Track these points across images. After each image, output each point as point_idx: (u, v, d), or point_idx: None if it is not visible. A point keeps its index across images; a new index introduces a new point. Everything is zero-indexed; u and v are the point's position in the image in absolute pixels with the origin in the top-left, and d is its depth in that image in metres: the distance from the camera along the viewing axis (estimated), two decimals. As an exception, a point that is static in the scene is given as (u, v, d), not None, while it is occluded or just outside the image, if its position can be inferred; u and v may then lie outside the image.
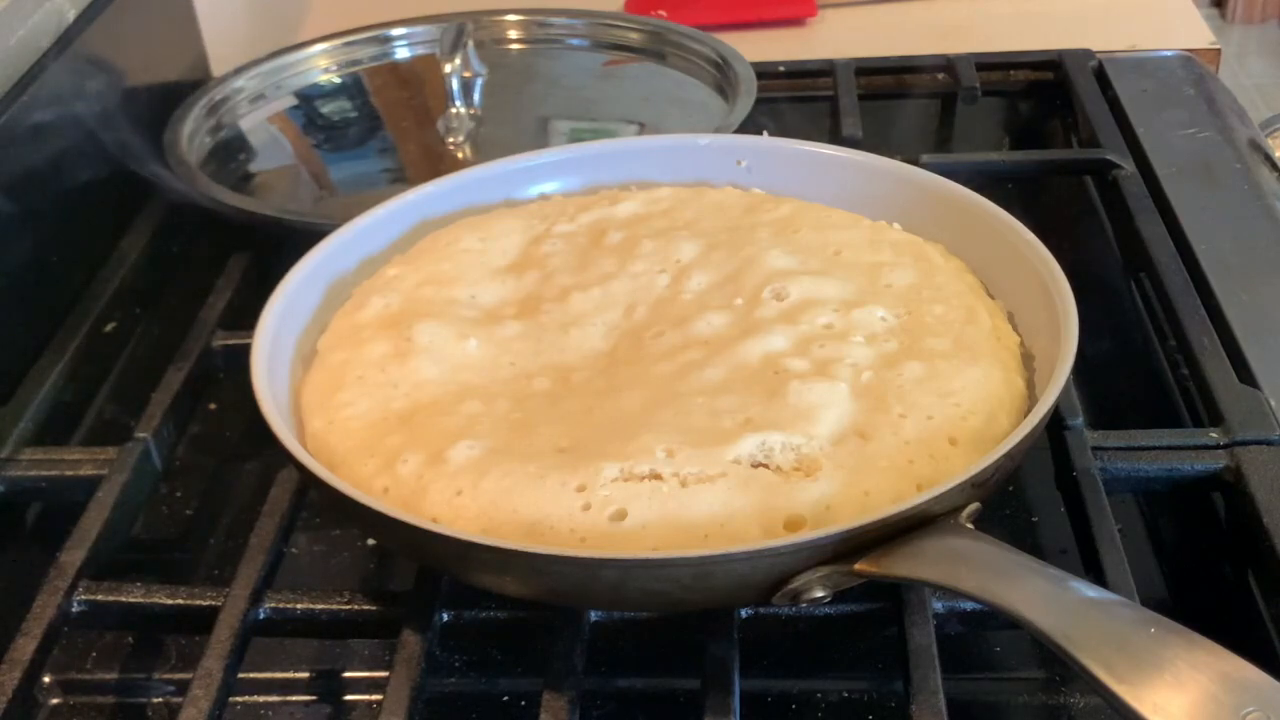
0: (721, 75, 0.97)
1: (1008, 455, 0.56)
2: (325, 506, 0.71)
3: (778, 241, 0.71)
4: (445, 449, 0.59)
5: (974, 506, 0.55)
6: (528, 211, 0.76)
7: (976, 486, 0.55)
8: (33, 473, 0.72)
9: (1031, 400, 0.62)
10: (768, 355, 0.63)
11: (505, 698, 0.64)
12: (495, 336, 0.67)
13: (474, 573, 0.58)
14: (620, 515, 0.55)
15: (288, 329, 0.68)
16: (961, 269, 0.70)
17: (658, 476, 0.56)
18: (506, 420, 0.61)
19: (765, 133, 0.82)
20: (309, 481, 0.60)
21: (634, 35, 1.04)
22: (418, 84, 1.05)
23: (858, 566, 0.53)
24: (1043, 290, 0.65)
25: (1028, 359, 0.65)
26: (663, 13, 1.11)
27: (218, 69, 1.07)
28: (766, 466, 0.56)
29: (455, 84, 0.95)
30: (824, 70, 1.03)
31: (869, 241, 0.71)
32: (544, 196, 0.79)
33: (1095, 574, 0.61)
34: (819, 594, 0.54)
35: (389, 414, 0.62)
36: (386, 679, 0.58)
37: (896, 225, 0.73)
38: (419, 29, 1.06)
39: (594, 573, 0.54)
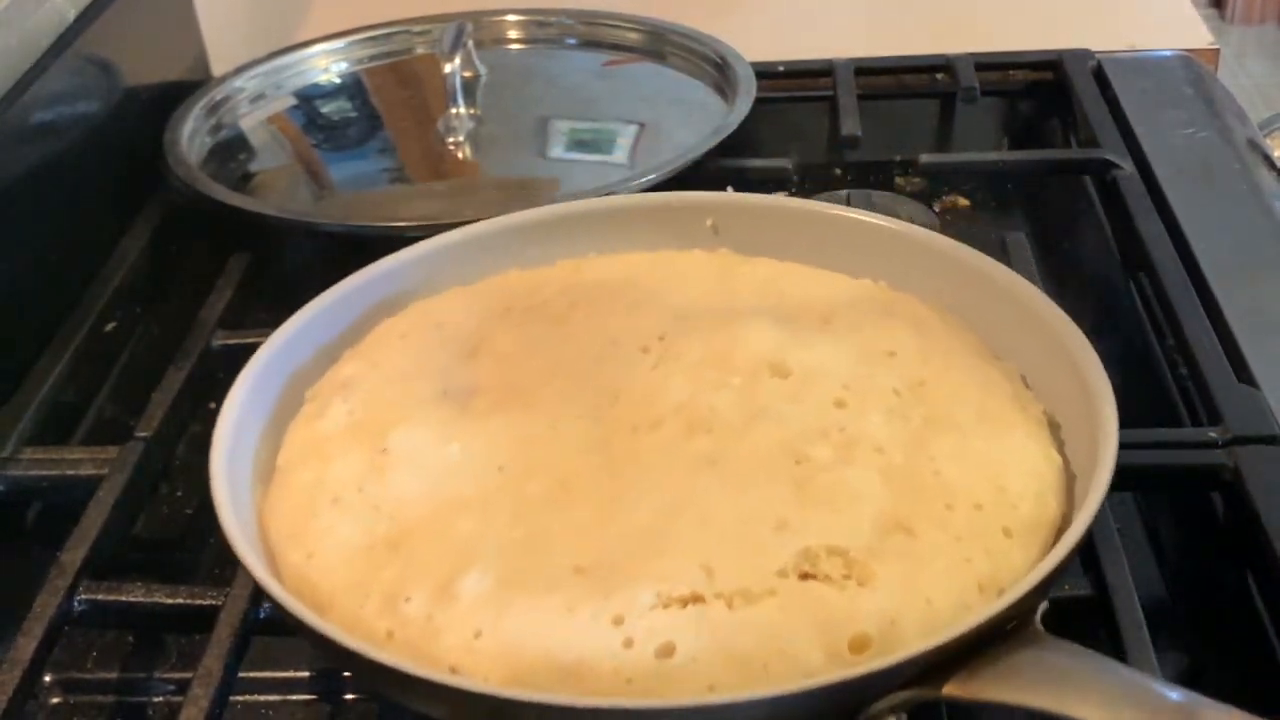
0: (721, 75, 0.98)
1: (1075, 548, 0.52)
2: (320, 655, 0.64)
3: (762, 309, 0.66)
4: (452, 581, 0.53)
5: (1044, 606, 0.52)
6: (484, 290, 0.71)
7: (1049, 586, 0.52)
8: (33, 472, 0.72)
9: (1068, 474, 0.59)
10: (784, 442, 0.57)
11: (505, 697, 0.64)
12: (477, 437, 0.60)
13: (507, 727, 0.52)
14: (667, 650, 0.50)
15: (244, 443, 0.62)
16: (960, 328, 0.66)
17: (700, 599, 0.51)
18: (510, 539, 0.55)
19: (730, 188, 0.79)
20: (300, 631, 0.54)
21: (634, 35, 1.04)
22: (418, 84, 1.05)
23: (946, 690, 0.49)
24: (1057, 350, 0.62)
25: (1054, 427, 0.61)
26: None
27: (218, 69, 1.07)
28: (815, 577, 0.52)
29: (455, 84, 0.96)
30: (823, 70, 1.03)
31: (858, 303, 0.67)
32: (500, 270, 0.72)
33: (1094, 574, 0.61)
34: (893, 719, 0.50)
35: (375, 540, 0.56)
36: (387, 678, 0.58)
37: (882, 283, 0.69)
38: (419, 29, 1.06)
39: (651, 722, 0.49)
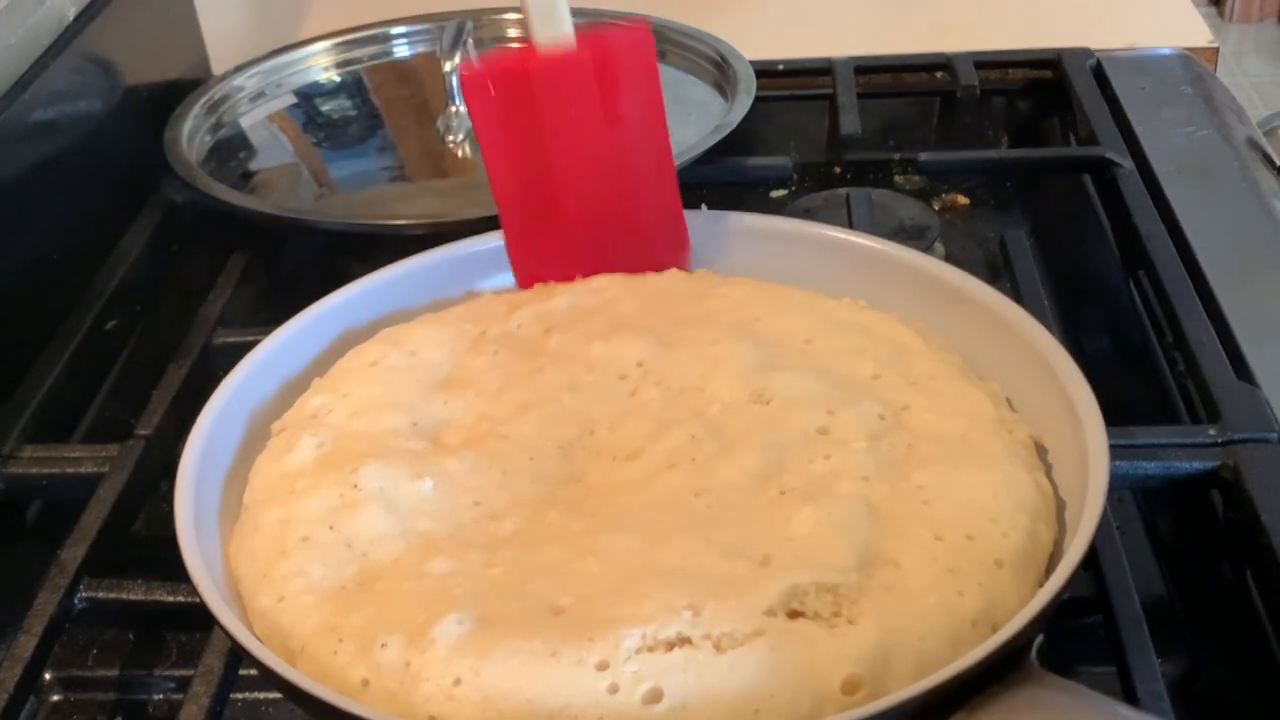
0: (721, 73, 0.98)
1: (1068, 581, 0.51)
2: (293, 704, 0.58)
3: (740, 333, 0.64)
4: (429, 625, 0.51)
5: (1040, 640, 0.50)
6: (456, 315, 0.69)
7: (1045, 619, 0.50)
8: (34, 470, 0.72)
9: (1058, 499, 0.58)
10: (765, 473, 0.56)
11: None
12: (450, 472, 0.58)
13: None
14: (655, 696, 0.48)
15: (210, 482, 0.60)
16: (943, 348, 0.65)
17: (687, 641, 0.49)
18: (485, 578, 0.53)
19: (704, 206, 0.77)
20: (273, 681, 0.51)
21: (633, 34, 1.04)
22: (418, 82, 1.05)
23: None
24: (1042, 369, 0.61)
25: (1040, 450, 0.60)
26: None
27: (218, 67, 1.07)
28: (804, 615, 0.50)
29: (455, 82, 0.96)
30: (823, 69, 1.03)
31: (838, 325, 0.65)
32: (471, 294, 0.72)
33: (1094, 572, 0.61)
34: None
35: (346, 581, 0.54)
36: (387, 676, 0.58)
37: (862, 302, 0.67)
38: (419, 27, 1.06)
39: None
